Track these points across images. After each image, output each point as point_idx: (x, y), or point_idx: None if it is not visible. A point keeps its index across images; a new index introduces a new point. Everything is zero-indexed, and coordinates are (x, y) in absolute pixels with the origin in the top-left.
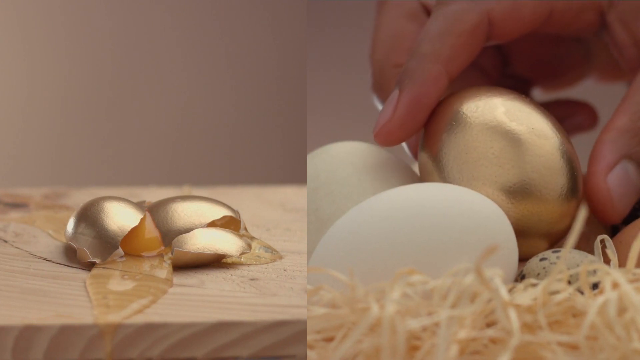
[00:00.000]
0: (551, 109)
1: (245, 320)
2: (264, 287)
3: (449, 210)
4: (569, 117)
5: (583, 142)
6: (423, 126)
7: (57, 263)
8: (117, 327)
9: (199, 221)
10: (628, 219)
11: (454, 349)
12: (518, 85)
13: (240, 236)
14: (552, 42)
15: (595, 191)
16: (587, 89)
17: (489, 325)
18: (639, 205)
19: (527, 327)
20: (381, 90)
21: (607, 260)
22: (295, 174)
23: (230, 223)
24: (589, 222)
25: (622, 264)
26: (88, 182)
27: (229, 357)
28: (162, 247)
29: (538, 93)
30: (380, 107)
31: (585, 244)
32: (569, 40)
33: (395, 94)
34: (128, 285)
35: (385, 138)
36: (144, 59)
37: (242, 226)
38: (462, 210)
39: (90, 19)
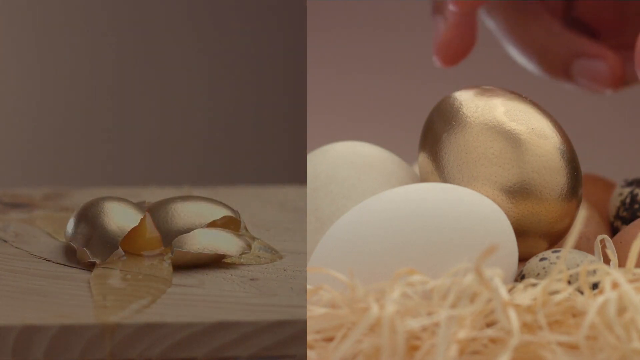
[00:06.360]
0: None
1: (245, 320)
2: (264, 287)
3: (449, 210)
4: (631, 60)
5: (583, 142)
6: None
7: (57, 263)
8: (116, 327)
9: (199, 221)
10: (628, 219)
11: (454, 349)
12: (584, 31)
13: (240, 236)
14: None
15: None
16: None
17: (489, 325)
18: (639, 206)
19: (527, 327)
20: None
21: (607, 260)
22: (295, 174)
23: (230, 223)
24: (589, 222)
25: (622, 264)
26: (88, 182)
27: (229, 357)
28: (162, 247)
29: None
30: (433, 20)
31: (585, 244)
32: None
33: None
34: (128, 285)
35: (461, 1)
36: (143, 58)
37: (242, 226)
38: (462, 210)
39: (90, 18)
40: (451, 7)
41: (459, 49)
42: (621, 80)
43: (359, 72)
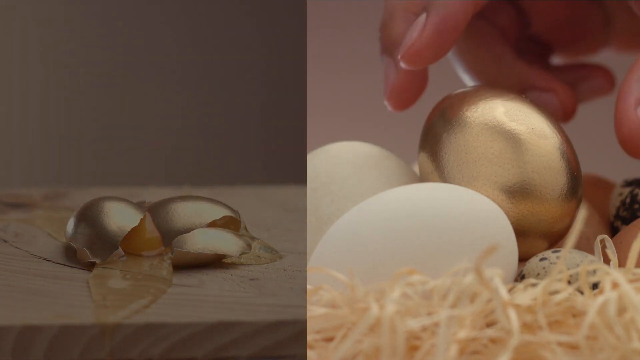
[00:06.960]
0: (567, 72)
1: (245, 320)
2: (264, 287)
3: (449, 210)
4: (585, 79)
5: (583, 142)
6: (449, 50)
7: (57, 263)
8: (117, 327)
9: (199, 221)
10: (628, 219)
11: (454, 349)
12: (537, 49)
13: (240, 236)
14: (572, 3)
15: (626, 124)
16: (606, 59)
17: (489, 325)
18: (639, 206)
19: (527, 327)
20: (386, 29)
21: (607, 260)
22: (295, 174)
23: (230, 223)
24: (589, 222)
25: (622, 264)
26: (88, 182)
27: (229, 357)
28: (162, 247)
29: (558, 60)
30: (383, 61)
31: (585, 244)
32: (589, 3)
33: (422, 17)
34: (128, 285)
35: (412, 58)
36: (143, 59)
37: (242, 226)
38: (462, 210)
39: (90, 18)
40: (402, 64)
41: (411, 93)
42: (572, 114)
43: (359, 72)
